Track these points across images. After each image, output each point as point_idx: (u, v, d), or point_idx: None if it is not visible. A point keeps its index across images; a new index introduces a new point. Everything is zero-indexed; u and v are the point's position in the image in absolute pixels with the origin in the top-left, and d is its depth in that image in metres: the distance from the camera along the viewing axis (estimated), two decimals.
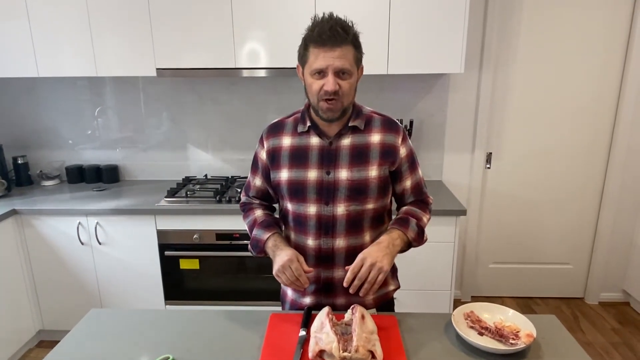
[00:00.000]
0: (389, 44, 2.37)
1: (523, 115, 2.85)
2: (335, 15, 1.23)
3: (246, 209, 1.51)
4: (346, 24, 1.21)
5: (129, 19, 2.39)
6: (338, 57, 1.19)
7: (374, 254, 1.23)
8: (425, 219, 1.41)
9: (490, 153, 2.92)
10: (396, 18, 2.34)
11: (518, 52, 2.75)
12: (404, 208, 1.43)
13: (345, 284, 1.23)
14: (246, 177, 2.85)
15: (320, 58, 1.20)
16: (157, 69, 2.45)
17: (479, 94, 2.80)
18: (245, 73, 2.46)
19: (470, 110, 2.85)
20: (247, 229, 1.47)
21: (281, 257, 1.28)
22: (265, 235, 1.37)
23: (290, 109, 1.47)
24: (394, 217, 1.44)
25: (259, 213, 1.46)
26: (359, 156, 1.32)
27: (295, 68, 2.35)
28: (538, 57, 2.75)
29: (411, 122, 2.79)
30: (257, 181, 1.46)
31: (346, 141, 1.33)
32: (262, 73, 2.46)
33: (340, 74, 1.21)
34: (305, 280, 1.26)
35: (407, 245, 1.36)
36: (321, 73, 1.22)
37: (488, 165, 2.94)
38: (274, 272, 1.28)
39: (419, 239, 1.36)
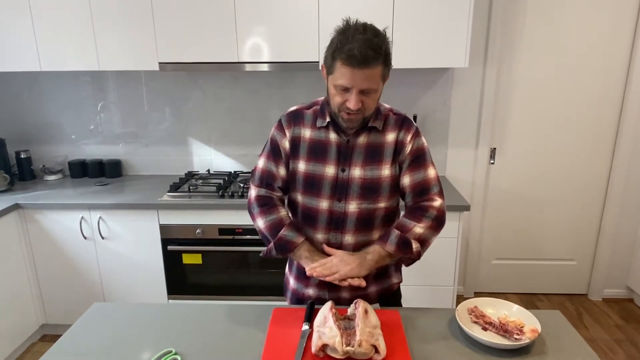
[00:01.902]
0: (392, 38, 2.35)
1: (527, 111, 2.84)
2: (369, 25, 1.17)
3: (268, 205, 1.38)
4: (377, 43, 1.14)
5: (132, 13, 2.38)
6: (365, 78, 1.16)
7: (346, 257, 1.28)
8: (418, 229, 1.30)
9: (494, 149, 2.91)
10: (400, 11, 2.32)
11: (523, 47, 2.72)
12: (398, 220, 1.37)
13: (308, 270, 1.27)
14: (249, 173, 2.88)
15: (346, 77, 1.16)
16: (159, 63, 2.44)
17: (483, 89, 2.78)
18: (248, 67, 2.45)
19: (474, 105, 2.83)
20: (265, 227, 1.36)
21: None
22: (299, 239, 1.33)
23: (293, 103, 1.46)
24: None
25: (284, 213, 1.38)
26: (373, 154, 1.31)
27: (298, 62, 2.40)
28: (543, 52, 2.72)
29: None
30: (282, 171, 1.39)
31: (362, 139, 1.32)
32: (264, 67, 2.45)
33: (365, 91, 1.19)
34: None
35: (407, 258, 1.33)
36: (345, 89, 1.19)
37: (492, 161, 2.93)
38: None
39: (402, 250, 1.28)
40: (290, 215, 1.43)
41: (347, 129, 1.30)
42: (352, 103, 1.19)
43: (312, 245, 1.36)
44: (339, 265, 1.26)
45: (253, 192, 1.42)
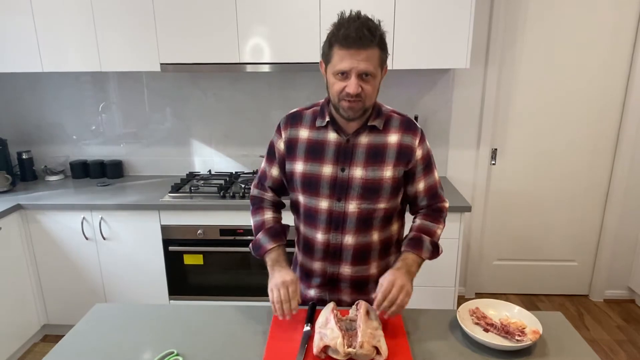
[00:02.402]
0: (393, 38, 2.35)
1: (529, 112, 2.83)
2: (363, 14, 1.20)
3: (256, 206, 1.47)
4: (373, 26, 1.18)
5: (133, 14, 2.38)
6: (363, 60, 1.16)
7: (401, 277, 1.23)
8: (439, 231, 1.39)
9: (495, 149, 2.91)
10: (401, 12, 2.32)
11: (524, 48, 2.72)
12: (418, 223, 1.40)
13: (375, 307, 1.20)
14: (250, 173, 2.88)
15: (344, 60, 1.17)
16: (161, 64, 2.44)
17: (484, 89, 2.78)
18: (249, 68, 2.45)
19: (475, 106, 2.83)
20: (252, 227, 1.45)
21: (282, 275, 1.27)
22: (269, 245, 1.36)
23: (294, 104, 1.46)
24: (406, 229, 1.42)
25: (268, 216, 1.43)
26: (375, 155, 1.30)
27: (299, 63, 2.40)
28: (544, 53, 2.72)
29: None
30: (274, 171, 1.43)
31: (363, 139, 1.31)
32: (265, 68, 2.45)
33: (363, 76, 1.19)
34: (295, 307, 1.23)
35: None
36: (344, 74, 1.19)
37: (493, 162, 2.93)
38: (269, 286, 1.27)
39: (434, 255, 1.36)
40: (276, 217, 1.44)
41: (347, 120, 1.28)
42: (351, 87, 1.18)
43: (284, 257, 1.36)
44: (401, 291, 1.20)
45: (251, 191, 1.51)
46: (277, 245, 1.37)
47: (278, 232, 1.40)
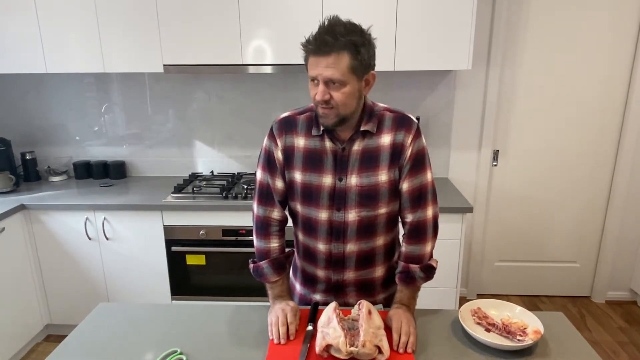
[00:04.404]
0: (396, 40, 2.36)
1: (530, 113, 2.84)
2: (335, 18, 1.14)
3: (263, 231, 1.37)
4: (340, 30, 1.11)
5: (137, 16, 2.40)
6: (326, 66, 1.12)
7: (405, 319, 1.23)
8: (429, 247, 1.32)
9: (497, 150, 2.91)
10: (403, 14, 2.33)
11: (526, 49, 2.73)
12: (404, 250, 1.33)
13: (395, 348, 1.18)
14: (252, 174, 2.89)
15: (312, 66, 1.15)
16: (164, 65, 2.45)
17: (486, 91, 2.79)
18: (252, 69, 2.46)
19: (477, 107, 2.84)
20: (255, 249, 1.39)
21: (283, 305, 1.29)
22: (272, 277, 1.35)
23: (296, 105, 1.45)
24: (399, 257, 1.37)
25: (274, 245, 1.37)
26: (369, 161, 1.26)
27: (301, 65, 2.39)
28: (546, 54, 2.73)
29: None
30: (279, 183, 1.34)
31: (357, 146, 1.26)
32: (268, 69, 2.46)
33: (330, 83, 1.14)
34: (292, 332, 1.22)
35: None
36: (315, 80, 1.17)
37: (495, 163, 2.93)
38: (269, 313, 1.30)
39: (430, 277, 1.34)
40: (281, 246, 1.39)
41: (325, 127, 1.24)
42: (319, 94, 1.15)
43: (288, 290, 1.38)
44: (412, 328, 1.21)
45: (254, 207, 1.39)
46: (280, 278, 1.36)
47: (282, 263, 1.37)
